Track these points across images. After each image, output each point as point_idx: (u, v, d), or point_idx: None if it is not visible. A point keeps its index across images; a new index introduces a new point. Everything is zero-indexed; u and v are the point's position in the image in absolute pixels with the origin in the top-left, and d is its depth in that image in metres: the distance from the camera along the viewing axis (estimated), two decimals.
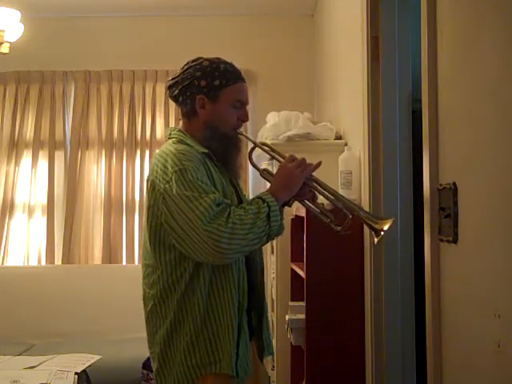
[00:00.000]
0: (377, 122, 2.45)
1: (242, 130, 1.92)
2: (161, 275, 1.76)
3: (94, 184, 4.54)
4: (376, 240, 1.74)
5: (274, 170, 1.91)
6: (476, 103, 1.45)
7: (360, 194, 2.63)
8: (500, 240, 1.32)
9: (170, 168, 1.70)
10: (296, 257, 2.92)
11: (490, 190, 1.37)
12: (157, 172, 1.73)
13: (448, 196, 1.58)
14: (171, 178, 1.68)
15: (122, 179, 4.50)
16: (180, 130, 1.88)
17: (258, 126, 3.74)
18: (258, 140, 3.38)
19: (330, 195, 1.83)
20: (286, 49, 4.58)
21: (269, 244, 3.57)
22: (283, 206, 1.82)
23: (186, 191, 1.65)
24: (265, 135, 3.25)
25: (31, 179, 4.51)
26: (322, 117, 3.94)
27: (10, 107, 4.56)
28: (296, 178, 1.79)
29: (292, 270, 2.98)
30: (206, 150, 1.81)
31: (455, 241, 1.55)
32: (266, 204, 1.70)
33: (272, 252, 3.30)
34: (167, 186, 1.68)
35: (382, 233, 1.72)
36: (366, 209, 2.47)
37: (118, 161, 4.52)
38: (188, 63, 1.87)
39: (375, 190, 2.45)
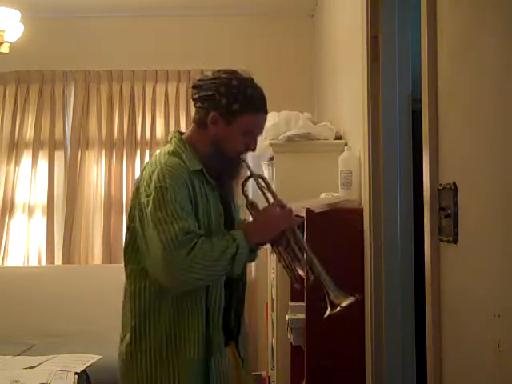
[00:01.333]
0: (377, 122, 2.45)
1: (245, 157, 1.88)
2: (131, 274, 1.78)
3: (94, 184, 4.54)
4: (327, 312, 1.73)
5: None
6: (476, 103, 1.45)
7: (360, 193, 2.63)
8: (500, 240, 1.32)
9: (153, 182, 1.69)
10: None
11: (490, 189, 1.37)
12: (144, 180, 1.74)
13: (448, 196, 1.58)
14: (151, 193, 1.68)
15: (122, 179, 4.50)
16: (180, 139, 1.84)
17: None
18: (260, 140, 3.38)
19: (300, 252, 1.81)
20: (286, 49, 4.58)
21: (269, 244, 3.57)
22: (257, 245, 1.82)
23: (159, 212, 1.65)
24: (265, 135, 3.25)
25: (31, 179, 4.51)
26: (322, 117, 3.94)
27: (10, 107, 4.57)
28: (276, 227, 1.78)
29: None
30: (199, 168, 1.78)
31: (455, 241, 1.55)
32: (235, 244, 1.69)
33: (272, 252, 3.29)
34: (145, 200, 1.69)
35: (338, 308, 1.72)
36: (367, 208, 2.47)
37: (118, 161, 4.52)
38: (220, 72, 1.81)
39: (375, 190, 2.44)
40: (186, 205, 1.68)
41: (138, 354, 1.74)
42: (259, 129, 1.85)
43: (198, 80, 1.83)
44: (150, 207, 1.66)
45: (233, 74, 1.80)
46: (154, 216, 1.65)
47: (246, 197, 1.90)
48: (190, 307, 1.73)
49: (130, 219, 1.79)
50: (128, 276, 1.81)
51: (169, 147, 1.83)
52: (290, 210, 1.81)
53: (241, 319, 1.92)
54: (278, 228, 1.78)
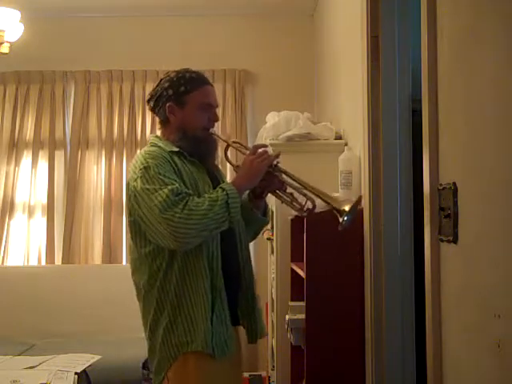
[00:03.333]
0: (377, 122, 2.45)
1: (214, 129, 2.08)
2: (145, 267, 1.91)
3: (94, 184, 4.54)
4: (340, 219, 1.86)
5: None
6: (476, 103, 1.45)
7: (360, 194, 2.62)
8: (500, 240, 1.32)
9: (137, 168, 1.89)
10: (296, 257, 2.91)
11: (490, 189, 1.37)
12: (130, 172, 1.94)
13: (448, 196, 1.58)
14: (138, 176, 1.86)
15: (122, 179, 4.50)
16: (157, 136, 2.07)
17: (258, 126, 3.74)
18: (259, 140, 3.39)
19: (296, 184, 1.97)
20: (286, 49, 4.58)
21: (269, 244, 3.58)
22: (260, 197, 2.07)
23: (148, 185, 1.82)
24: (265, 135, 3.25)
25: (31, 179, 4.51)
26: (322, 117, 3.94)
27: (10, 107, 4.57)
28: (255, 168, 1.93)
29: (292, 269, 2.98)
30: (176, 149, 1.98)
31: (455, 241, 1.55)
32: (224, 192, 1.84)
33: (272, 252, 3.30)
34: (135, 183, 1.86)
35: (345, 214, 1.84)
36: (367, 208, 2.47)
37: (118, 161, 4.52)
38: (160, 79, 2.08)
39: (375, 189, 2.44)
40: (170, 175, 1.86)
41: (160, 325, 1.89)
42: (211, 99, 2.05)
43: (148, 94, 2.10)
44: (139, 186, 1.84)
45: (169, 72, 2.07)
46: (144, 190, 1.82)
47: (230, 163, 2.19)
48: (194, 274, 1.88)
49: (128, 214, 1.94)
50: (140, 265, 1.94)
51: (147, 145, 2.05)
52: (264, 151, 1.98)
53: (251, 286, 2.08)
54: (258, 168, 1.94)
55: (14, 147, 4.54)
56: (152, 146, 2.00)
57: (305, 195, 1.97)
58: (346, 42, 3.10)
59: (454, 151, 1.59)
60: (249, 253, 2.12)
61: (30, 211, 4.50)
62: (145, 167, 1.85)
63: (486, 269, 1.39)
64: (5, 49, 3.59)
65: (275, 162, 1.98)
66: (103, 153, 4.54)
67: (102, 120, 4.56)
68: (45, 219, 4.48)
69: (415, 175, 2.37)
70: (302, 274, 2.67)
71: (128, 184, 1.92)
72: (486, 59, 1.39)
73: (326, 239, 2.50)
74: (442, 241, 1.64)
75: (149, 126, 4.54)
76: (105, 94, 4.57)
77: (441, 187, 1.64)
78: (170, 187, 1.80)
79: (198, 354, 1.85)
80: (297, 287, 2.86)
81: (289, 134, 3.08)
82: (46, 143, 4.54)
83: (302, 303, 2.59)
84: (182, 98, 2.00)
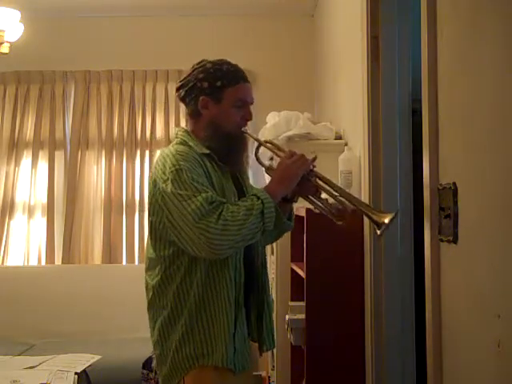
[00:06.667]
0: (377, 122, 2.45)
1: (246, 128, 1.95)
2: (160, 268, 1.84)
3: (94, 184, 4.54)
4: (378, 232, 1.75)
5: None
6: (476, 103, 1.45)
7: (360, 194, 2.62)
8: (500, 240, 1.32)
9: (167, 168, 1.76)
10: (296, 257, 2.91)
11: (490, 190, 1.37)
12: (157, 171, 1.80)
13: (448, 196, 1.58)
14: (168, 178, 1.74)
15: (122, 179, 4.50)
16: (186, 131, 1.93)
17: (258, 126, 3.74)
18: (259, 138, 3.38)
19: (332, 190, 1.86)
20: (286, 49, 4.58)
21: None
22: (289, 202, 1.92)
23: (180, 190, 1.71)
24: (265, 135, 3.25)
25: (31, 179, 4.51)
26: (322, 117, 3.94)
27: (10, 107, 4.57)
28: (292, 173, 1.82)
29: (292, 269, 2.98)
30: (207, 151, 1.86)
31: (455, 241, 1.55)
32: (260, 201, 1.73)
33: (272, 252, 3.30)
34: (164, 185, 1.75)
35: (384, 226, 1.73)
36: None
37: (118, 161, 4.52)
38: (193, 66, 1.94)
39: (375, 189, 2.44)
40: (203, 180, 1.76)
41: (174, 332, 1.81)
42: (248, 97, 1.95)
43: (179, 82, 1.97)
44: (169, 189, 1.73)
45: (203, 61, 1.93)
46: (176, 195, 1.71)
47: (262, 163, 2.00)
48: (219, 284, 1.80)
49: (151, 213, 1.84)
50: (155, 265, 1.86)
51: (175, 140, 1.92)
52: (302, 155, 1.85)
53: (265, 298, 1.99)
54: (295, 174, 1.83)
55: (14, 147, 4.53)
56: (181, 143, 1.88)
57: (341, 202, 1.84)
58: (346, 43, 3.10)
59: (454, 151, 1.59)
60: (266, 269, 2.03)
61: (30, 211, 4.50)
62: (176, 169, 1.74)
63: (486, 269, 1.39)
64: (5, 49, 3.58)
65: (311, 167, 1.87)
66: (103, 153, 4.54)
67: (102, 120, 4.56)
68: (45, 219, 4.48)
69: (415, 175, 2.37)
70: (301, 274, 2.67)
71: (155, 181, 1.80)
72: (486, 59, 1.39)
73: (326, 239, 2.51)
74: (442, 241, 1.64)
75: (149, 126, 4.54)
76: (105, 94, 4.57)
77: (441, 187, 1.64)
78: (203, 195, 1.70)
79: (217, 368, 1.78)
80: (297, 287, 2.86)
81: (289, 133, 3.09)
82: (46, 143, 4.54)
83: (302, 303, 2.59)
84: (218, 93, 1.87)
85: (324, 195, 1.90)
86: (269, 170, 1.96)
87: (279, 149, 1.98)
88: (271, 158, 2.03)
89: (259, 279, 1.97)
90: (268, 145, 2.00)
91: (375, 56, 2.47)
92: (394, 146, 2.43)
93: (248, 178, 2.06)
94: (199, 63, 1.93)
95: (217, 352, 1.78)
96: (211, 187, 1.77)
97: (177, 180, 1.73)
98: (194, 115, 1.92)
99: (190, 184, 1.72)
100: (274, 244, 3.14)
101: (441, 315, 1.67)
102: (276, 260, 3.14)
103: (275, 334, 2.05)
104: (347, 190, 1.90)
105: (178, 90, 1.96)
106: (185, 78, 1.94)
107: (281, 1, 4.49)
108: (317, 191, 1.89)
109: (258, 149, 1.99)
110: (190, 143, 1.87)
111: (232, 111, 1.89)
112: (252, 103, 1.97)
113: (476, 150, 1.45)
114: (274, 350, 3.18)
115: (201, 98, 1.88)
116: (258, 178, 4.16)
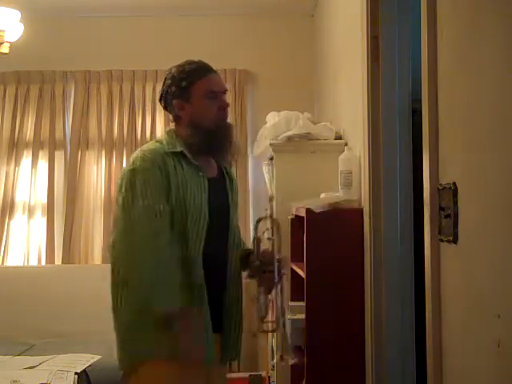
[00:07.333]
0: (377, 122, 2.45)
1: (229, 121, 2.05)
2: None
3: (94, 184, 4.54)
4: (274, 360, 1.85)
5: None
6: (476, 103, 1.45)
7: (360, 193, 2.63)
8: (500, 240, 1.32)
9: (131, 164, 1.94)
10: (296, 257, 2.91)
11: (490, 189, 1.37)
12: (129, 164, 1.99)
13: (448, 196, 1.58)
14: (124, 175, 1.93)
15: None
16: (170, 130, 2.04)
17: (258, 126, 3.74)
18: (260, 140, 3.38)
19: (279, 305, 1.94)
20: (285, 49, 4.58)
21: (269, 244, 3.56)
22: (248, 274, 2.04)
23: (127, 192, 1.87)
24: (265, 135, 3.25)
25: (31, 179, 4.51)
26: (322, 117, 3.94)
27: (10, 107, 4.56)
28: None
29: (292, 269, 2.98)
30: (179, 150, 1.94)
31: (455, 241, 1.55)
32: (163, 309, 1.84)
33: None
34: (120, 181, 1.93)
35: (283, 361, 1.91)
36: (367, 208, 2.48)
37: (118, 161, 4.52)
38: (165, 75, 2.07)
39: (375, 189, 2.44)
40: (154, 186, 1.86)
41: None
42: (216, 86, 2.00)
43: (159, 93, 2.08)
44: (123, 188, 1.89)
45: (171, 67, 2.06)
46: (127, 202, 1.86)
47: (255, 232, 2.03)
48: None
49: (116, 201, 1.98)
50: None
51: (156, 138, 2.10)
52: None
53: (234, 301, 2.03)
54: None
55: (14, 147, 4.53)
56: (156, 141, 2.01)
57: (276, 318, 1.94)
58: (346, 43, 3.10)
59: (454, 151, 1.59)
60: (239, 269, 2.07)
61: (30, 211, 4.49)
62: (132, 169, 1.91)
63: (486, 269, 1.39)
64: (5, 49, 3.58)
65: (283, 272, 1.97)
66: (103, 153, 4.54)
67: (102, 120, 4.56)
68: (45, 219, 4.48)
69: (415, 175, 2.37)
70: (302, 274, 2.67)
71: (123, 175, 1.95)
72: (486, 59, 1.39)
73: (326, 239, 2.51)
74: (442, 241, 1.64)
75: (149, 126, 4.54)
76: (105, 94, 4.57)
77: (441, 187, 1.64)
78: (145, 203, 1.82)
79: (169, 360, 1.82)
80: (297, 287, 2.86)
81: (289, 133, 3.09)
82: (45, 143, 4.53)
83: (302, 303, 2.59)
84: (186, 92, 1.97)
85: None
86: (256, 241, 2.00)
87: (278, 232, 2.01)
88: (266, 209, 2.04)
89: (230, 281, 2.02)
90: (273, 223, 2.01)
91: (375, 56, 2.47)
92: (394, 146, 2.43)
93: (233, 176, 2.14)
94: (168, 71, 2.05)
95: (164, 344, 1.83)
96: (164, 191, 1.85)
97: (129, 180, 1.88)
98: (176, 119, 2.03)
99: (139, 187, 1.86)
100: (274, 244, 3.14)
101: (441, 315, 1.67)
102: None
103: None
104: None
105: (160, 101, 2.08)
106: (161, 88, 2.05)
107: (281, 1, 4.48)
108: (270, 289, 1.97)
109: (259, 221, 2.03)
110: (164, 142, 1.97)
111: (205, 104, 1.97)
112: (225, 92, 2.03)
113: (476, 149, 1.45)
114: (274, 350, 3.18)
115: (174, 102, 1.98)
116: (258, 179, 4.17)
